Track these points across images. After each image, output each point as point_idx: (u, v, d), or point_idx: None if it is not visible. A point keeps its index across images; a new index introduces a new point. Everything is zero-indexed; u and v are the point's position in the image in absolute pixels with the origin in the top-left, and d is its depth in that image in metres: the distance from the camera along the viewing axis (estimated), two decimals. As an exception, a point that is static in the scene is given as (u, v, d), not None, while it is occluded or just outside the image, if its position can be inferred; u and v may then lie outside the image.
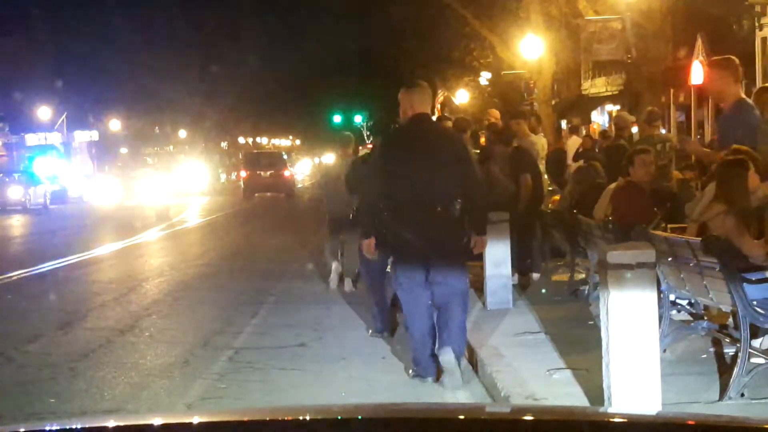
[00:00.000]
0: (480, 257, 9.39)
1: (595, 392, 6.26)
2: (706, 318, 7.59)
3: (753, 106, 8.36)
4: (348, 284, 12.25)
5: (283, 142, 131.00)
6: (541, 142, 15.29)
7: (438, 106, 46.14)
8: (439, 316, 7.52)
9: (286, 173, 45.52)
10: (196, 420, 2.90)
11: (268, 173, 43.56)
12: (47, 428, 2.82)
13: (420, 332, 7.57)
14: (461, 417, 2.88)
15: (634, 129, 16.01)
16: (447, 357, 7.27)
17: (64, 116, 56.10)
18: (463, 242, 7.61)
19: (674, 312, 7.89)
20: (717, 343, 7.56)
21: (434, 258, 7.45)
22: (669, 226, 8.68)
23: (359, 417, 2.78)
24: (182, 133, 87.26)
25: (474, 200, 7.57)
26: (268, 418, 2.85)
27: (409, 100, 7.64)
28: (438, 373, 7.47)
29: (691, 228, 7.68)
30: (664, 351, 7.06)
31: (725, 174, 7.40)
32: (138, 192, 42.57)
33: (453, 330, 7.39)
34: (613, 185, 9.95)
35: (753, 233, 7.09)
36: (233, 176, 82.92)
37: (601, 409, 5.01)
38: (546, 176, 17.92)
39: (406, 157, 7.52)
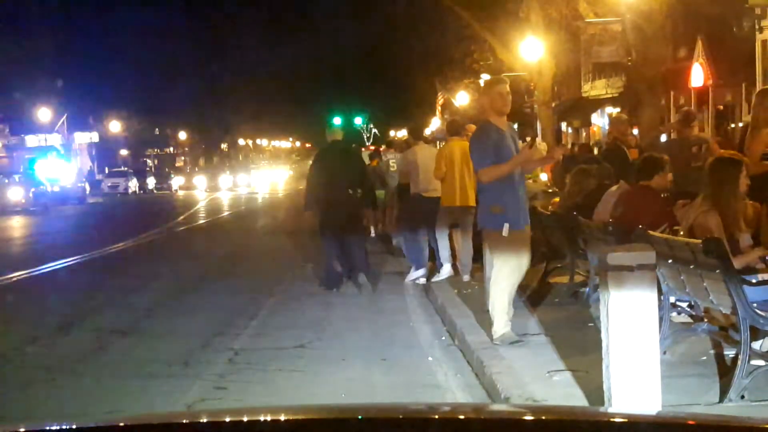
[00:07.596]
0: (480, 258, 10.54)
1: (596, 394, 6.26)
2: (706, 320, 7.57)
3: None
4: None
5: (283, 143, 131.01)
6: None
7: (438, 108, 46.15)
8: (348, 255, 12.66)
9: None
10: (196, 420, 2.89)
11: None
12: (47, 428, 2.81)
13: (331, 260, 12.69)
14: (461, 417, 2.87)
15: (635, 131, 15.99)
16: (361, 279, 12.60)
17: (64, 117, 56.14)
18: (361, 212, 12.99)
19: (674, 314, 7.87)
20: (717, 345, 7.55)
21: (343, 220, 12.45)
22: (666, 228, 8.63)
23: (359, 417, 2.78)
24: (182, 135, 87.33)
25: (364, 188, 12.81)
26: (268, 418, 2.84)
27: (330, 134, 13.16)
28: (338, 287, 12.57)
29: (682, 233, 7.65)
30: (664, 353, 7.04)
31: (718, 172, 7.39)
32: None
33: (358, 264, 12.66)
34: (615, 188, 9.89)
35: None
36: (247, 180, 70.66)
37: (601, 409, 4.99)
38: (546, 177, 17.89)
39: (328, 164, 12.80)
